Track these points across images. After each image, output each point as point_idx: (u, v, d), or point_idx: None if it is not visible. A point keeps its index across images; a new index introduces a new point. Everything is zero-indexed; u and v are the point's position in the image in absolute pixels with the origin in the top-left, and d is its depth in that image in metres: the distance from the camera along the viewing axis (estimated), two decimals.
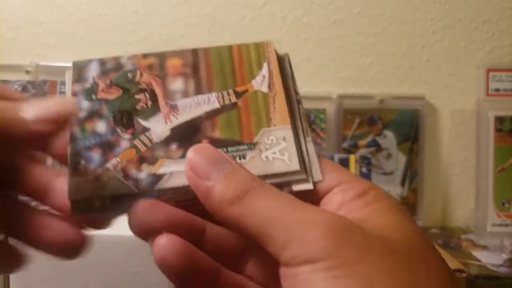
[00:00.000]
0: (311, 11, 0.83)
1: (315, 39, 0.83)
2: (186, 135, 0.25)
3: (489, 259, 0.67)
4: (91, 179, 0.24)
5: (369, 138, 0.80)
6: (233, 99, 0.26)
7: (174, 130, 0.25)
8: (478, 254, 0.69)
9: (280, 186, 0.24)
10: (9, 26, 0.83)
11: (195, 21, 0.82)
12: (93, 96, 0.26)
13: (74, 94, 0.26)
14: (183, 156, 0.24)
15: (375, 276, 0.20)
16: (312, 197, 0.24)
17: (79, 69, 0.27)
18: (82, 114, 0.26)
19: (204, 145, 0.24)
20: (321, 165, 0.25)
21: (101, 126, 0.25)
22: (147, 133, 0.25)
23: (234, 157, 0.24)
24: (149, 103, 0.26)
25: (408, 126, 0.80)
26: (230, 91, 0.26)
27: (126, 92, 0.26)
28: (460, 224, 0.82)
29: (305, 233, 0.20)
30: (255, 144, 0.25)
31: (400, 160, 0.80)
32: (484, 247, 0.72)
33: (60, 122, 0.23)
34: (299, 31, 0.82)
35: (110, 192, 0.24)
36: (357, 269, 0.19)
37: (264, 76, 0.27)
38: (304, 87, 0.85)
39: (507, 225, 0.76)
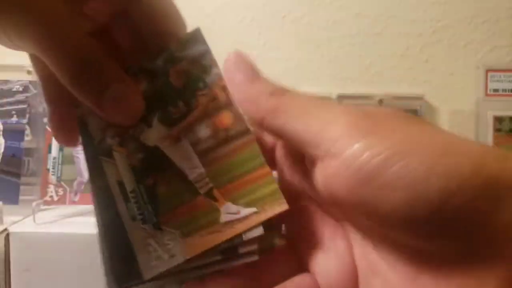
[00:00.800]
0: (311, 11, 0.83)
1: (315, 39, 0.83)
2: (152, 161, 0.25)
3: None
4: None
5: None
6: (195, 192, 0.24)
7: (155, 150, 0.25)
8: None
9: None
10: None
11: (196, 21, 0.82)
12: (166, 65, 0.26)
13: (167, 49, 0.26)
14: (129, 166, 0.25)
15: (415, 135, 0.19)
16: None
17: (193, 40, 0.27)
18: (145, 65, 0.26)
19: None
20: None
21: (143, 86, 0.26)
22: (145, 127, 0.25)
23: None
24: (176, 115, 0.25)
25: None
26: (207, 181, 0.25)
27: (183, 91, 0.26)
28: None
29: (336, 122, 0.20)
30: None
31: None
32: None
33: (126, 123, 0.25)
34: (299, 31, 0.83)
35: (82, 126, 0.26)
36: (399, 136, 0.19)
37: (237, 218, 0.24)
38: (303, 87, 0.86)
39: None
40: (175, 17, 0.27)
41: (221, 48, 0.26)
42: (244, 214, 0.23)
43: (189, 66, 0.26)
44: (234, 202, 0.24)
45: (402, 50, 0.83)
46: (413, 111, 0.80)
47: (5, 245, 0.58)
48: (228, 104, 0.25)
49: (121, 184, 0.25)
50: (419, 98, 0.81)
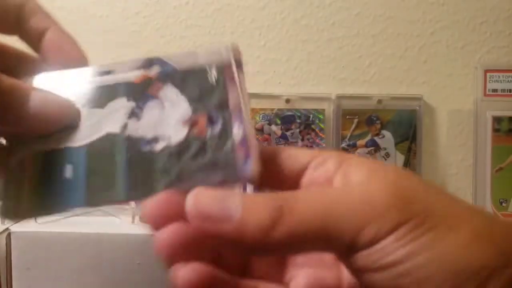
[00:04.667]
0: (311, 12, 0.83)
1: (314, 40, 0.83)
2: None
3: None
4: None
5: (367, 138, 0.81)
6: None
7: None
8: None
9: None
10: None
11: (196, 22, 0.83)
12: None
13: None
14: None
15: (449, 217, 0.20)
16: (288, 181, 0.24)
17: None
18: None
19: (199, 190, 0.21)
20: None
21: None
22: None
23: None
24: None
25: (406, 126, 0.80)
26: None
27: None
28: None
29: (374, 208, 0.20)
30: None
31: (398, 159, 0.80)
32: None
33: (55, 126, 0.25)
34: (298, 32, 0.83)
35: None
36: (434, 219, 0.20)
37: None
38: (303, 87, 0.86)
39: None
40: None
41: None
42: None
43: None
44: None
45: (401, 51, 0.83)
46: (412, 111, 0.81)
47: (6, 245, 0.58)
48: None
49: None
50: (418, 98, 0.81)
